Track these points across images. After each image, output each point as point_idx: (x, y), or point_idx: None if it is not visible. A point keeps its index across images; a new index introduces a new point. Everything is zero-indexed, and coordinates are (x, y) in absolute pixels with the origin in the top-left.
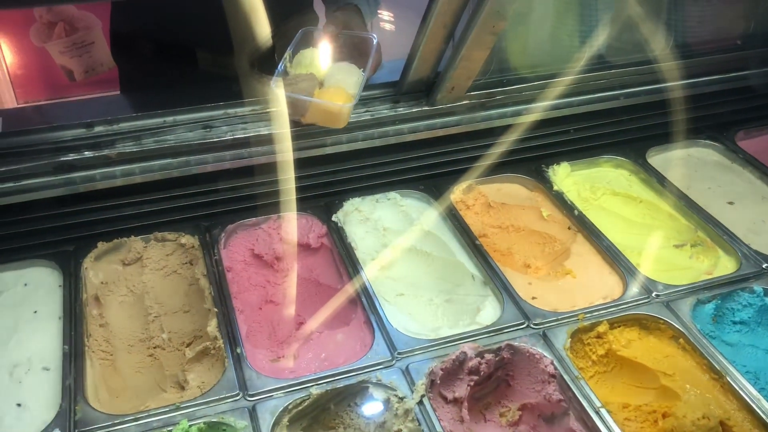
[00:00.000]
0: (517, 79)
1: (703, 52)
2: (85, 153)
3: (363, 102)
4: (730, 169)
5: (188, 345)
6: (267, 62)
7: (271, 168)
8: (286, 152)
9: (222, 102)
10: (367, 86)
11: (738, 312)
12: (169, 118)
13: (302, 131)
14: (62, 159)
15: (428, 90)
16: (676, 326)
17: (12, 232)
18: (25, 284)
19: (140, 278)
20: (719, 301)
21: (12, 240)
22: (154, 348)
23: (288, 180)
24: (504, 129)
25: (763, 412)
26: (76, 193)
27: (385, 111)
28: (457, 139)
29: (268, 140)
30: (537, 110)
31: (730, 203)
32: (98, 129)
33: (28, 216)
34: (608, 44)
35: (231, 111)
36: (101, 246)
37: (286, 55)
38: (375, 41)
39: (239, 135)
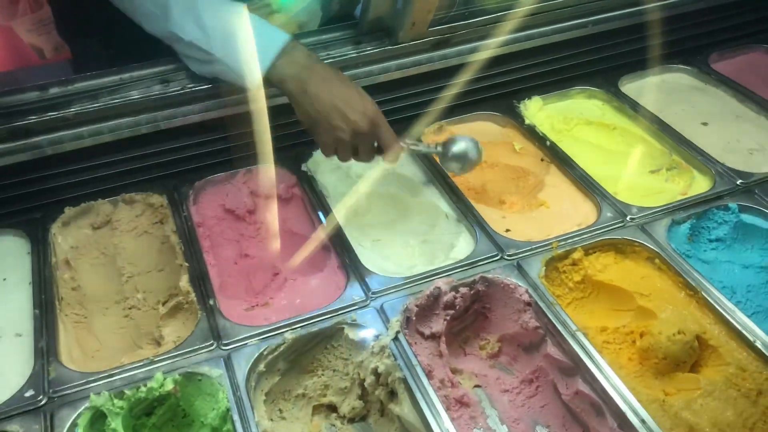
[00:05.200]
0: (480, 11)
1: None
2: (41, 116)
3: (323, 45)
4: (703, 91)
5: (164, 303)
6: None
7: (236, 121)
8: (249, 103)
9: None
10: (325, 29)
11: (714, 230)
12: (126, 75)
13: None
14: (17, 123)
15: (389, 28)
16: (652, 247)
17: None
18: None
19: (111, 240)
20: (694, 221)
21: None
22: (130, 309)
23: (255, 133)
24: (471, 66)
25: (738, 323)
26: (40, 158)
27: (350, 53)
28: (426, 78)
29: (228, 92)
30: (503, 44)
31: (704, 124)
32: (53, 91)
33: None
34: None
35: None
36: (68, 211)
37: None
38: None
39: (198, 87)
